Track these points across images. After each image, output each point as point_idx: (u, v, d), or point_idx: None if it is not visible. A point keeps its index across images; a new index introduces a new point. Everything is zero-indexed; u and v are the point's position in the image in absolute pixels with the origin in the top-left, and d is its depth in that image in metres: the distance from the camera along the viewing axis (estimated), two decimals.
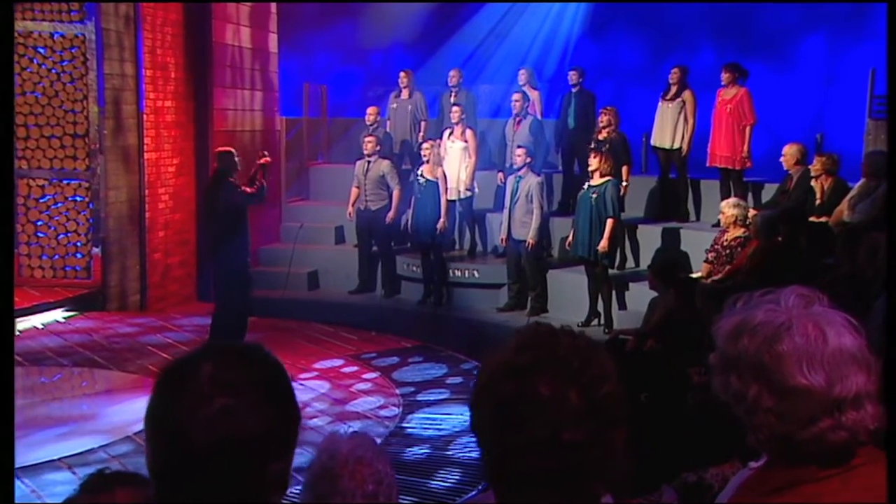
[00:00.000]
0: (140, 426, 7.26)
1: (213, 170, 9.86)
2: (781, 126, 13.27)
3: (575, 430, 1.70)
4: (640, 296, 10.00)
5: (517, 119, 12.40)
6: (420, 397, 8.68)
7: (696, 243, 10.76)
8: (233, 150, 9.81)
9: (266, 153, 10.28)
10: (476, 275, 12.33)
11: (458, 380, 9.04)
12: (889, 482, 1.90)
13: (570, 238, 10.99)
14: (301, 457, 1.85)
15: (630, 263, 11.92)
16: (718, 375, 1.99)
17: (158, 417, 1.63)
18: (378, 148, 12.41)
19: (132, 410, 7.83)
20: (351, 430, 2.92)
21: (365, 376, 9.25)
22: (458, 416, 7.86)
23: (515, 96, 12.47)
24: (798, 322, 1.90)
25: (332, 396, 8.51)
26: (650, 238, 11.87)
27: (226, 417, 1.58)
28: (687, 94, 11.65)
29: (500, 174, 12.64)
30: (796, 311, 1.93)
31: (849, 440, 1.86)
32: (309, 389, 8.60)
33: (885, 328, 2.44)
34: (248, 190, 9.46)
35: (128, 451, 6.98)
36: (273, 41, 15.00)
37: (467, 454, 7.11)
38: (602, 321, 10.84)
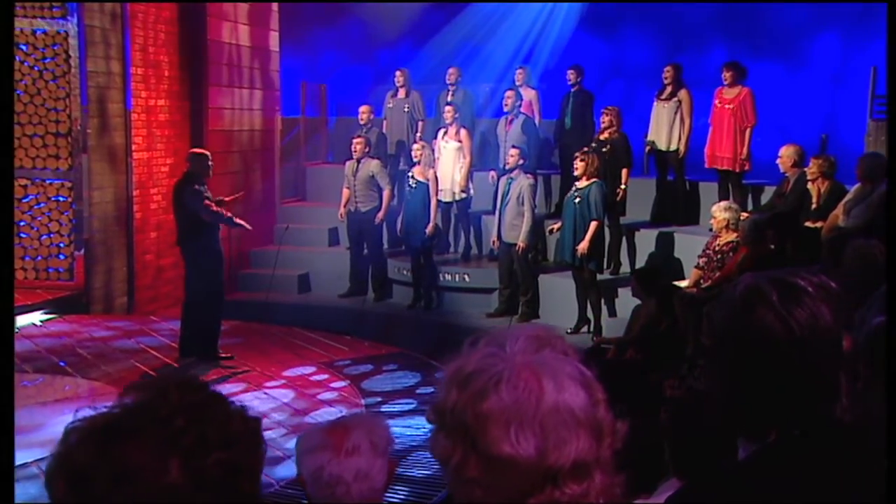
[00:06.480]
0: None
1: (185, 171, 9.55)
2: (793, 126, 12.79)
3: None
4: (631, 302, 9.60)
5: (509, 118, 12.04)
6: (385, 408, 8.25)
7: (693, 248, 10.29)
8: (207, 154, 9.49)
9: (241, 193, 10.61)
10: (467, 279, 11.96)
11: (430, 389, 8.67)
12: (889, 482, 1.71)
13: (556, 226, 10.61)
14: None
15: (625, 269, 11.49)
16: (434, 432, 1.63)
17: None
18: (367, 150, 12.07)
19: None
20: None
21: (333, 385, 8.89)
22: (418, 430, 7.48)
23: (508, 93, 12.11)
24: (513, 373, 1.52)
25: (294, 406, 8.18)
26: (647, 242, 11.45)
27: None
28: (683, 94, 11.13)
29: (493, 173, 12.28)
30: (518, 359, 1.56)
31: None
32: (271, 399, 8.25)
33: (885, 332, 2.18)
34: (214, 208, 9.14)
35: None
36: (274, 39, 14.75)
37: (420, 471, 6.76)
38: (591, 328, 10.45)
